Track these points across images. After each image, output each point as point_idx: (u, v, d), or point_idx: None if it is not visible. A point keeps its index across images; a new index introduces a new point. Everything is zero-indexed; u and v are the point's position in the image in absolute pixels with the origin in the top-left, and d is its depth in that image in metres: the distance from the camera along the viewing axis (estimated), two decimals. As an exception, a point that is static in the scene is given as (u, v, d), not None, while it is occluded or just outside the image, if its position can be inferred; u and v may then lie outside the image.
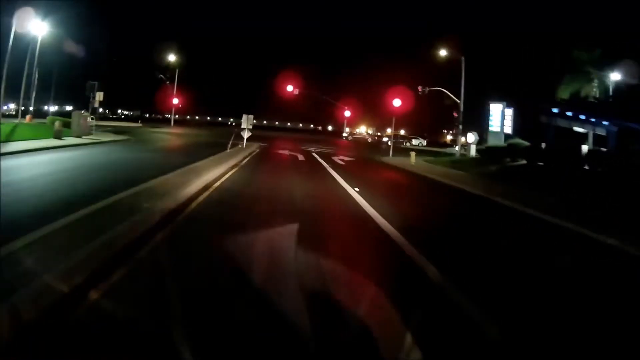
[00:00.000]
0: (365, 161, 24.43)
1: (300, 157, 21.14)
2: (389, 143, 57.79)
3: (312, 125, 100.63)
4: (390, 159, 25.94)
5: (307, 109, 66.79)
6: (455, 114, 36.07)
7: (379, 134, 73.01)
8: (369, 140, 63.85)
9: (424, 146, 56.12)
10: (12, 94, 31.74)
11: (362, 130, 77.93)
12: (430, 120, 58.72)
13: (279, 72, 51.16)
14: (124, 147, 20.45)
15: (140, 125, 49.69)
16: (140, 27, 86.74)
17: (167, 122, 57.25)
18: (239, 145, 22.09)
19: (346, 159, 23.16)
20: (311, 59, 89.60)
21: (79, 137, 21.88)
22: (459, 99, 36.61)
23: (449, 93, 35.69)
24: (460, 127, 36.22)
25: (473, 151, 28.11)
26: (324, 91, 66.59)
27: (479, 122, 35.78)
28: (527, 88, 33.69)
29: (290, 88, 46.95)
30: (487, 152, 24.20)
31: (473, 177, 17.64)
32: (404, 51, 67.68)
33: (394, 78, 62.12)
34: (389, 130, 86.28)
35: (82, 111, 25.56)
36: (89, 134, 23.46)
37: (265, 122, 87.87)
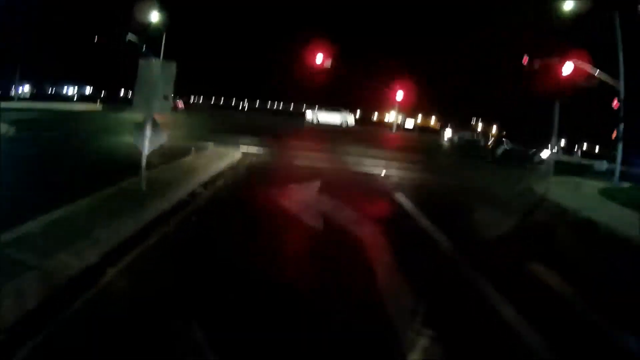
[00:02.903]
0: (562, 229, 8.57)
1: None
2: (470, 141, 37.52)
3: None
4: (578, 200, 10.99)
5: (337, 91, 49.83)
6: (615, 104, 20.41)
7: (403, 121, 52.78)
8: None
9: (350, 126, 38.17)
10: None
11: (392, 117, 56.56)
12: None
13: (305, 43, 35.98)
14: None
15: (98, 107, 35.61)
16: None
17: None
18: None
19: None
20: (347, 28, 68.33)
21: None
22: (614, 78, 20.85)
23: (587, 66, 19.83)
24: (622, 126, 20.87)
25: None
26: (359, 67, 49.97)
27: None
28: None
29: (319, 59, 32.08)
30: None
31: None
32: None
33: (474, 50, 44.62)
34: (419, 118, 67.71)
35: None
36: None
37: (281, 105, 71.66)
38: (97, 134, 17.03)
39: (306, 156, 14.48)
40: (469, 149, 31.03)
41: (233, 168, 10.61)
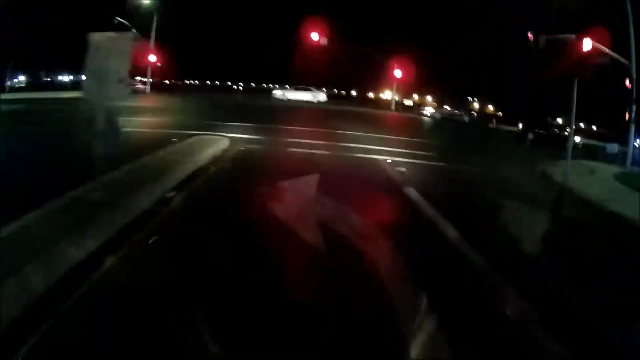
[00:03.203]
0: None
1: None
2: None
3: (335, 90, 79.78)
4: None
5: (334, 69, 48.39)
6: (628, 84, 19.48)
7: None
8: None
9: (321, 102, 38.75)
10: None
11: (389, 95, 55.03)
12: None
13: (301, 19, 34.82)
14: None
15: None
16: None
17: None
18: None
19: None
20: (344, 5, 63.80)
21: None
22: (625, 58, 19.99)
23: (600, 46, 18.56)
24: (634, 107, 20.13)
25: None
26: (357, 44, 48.10)
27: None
28: None
29: (315, 36, 31.77)
30: None
31: None
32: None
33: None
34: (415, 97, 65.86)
35: None
36: None
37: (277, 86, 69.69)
38: (70, 126, 15.60)
39: (299, 142, 13.17)
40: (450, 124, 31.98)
41: (216, 161, 9.36)
